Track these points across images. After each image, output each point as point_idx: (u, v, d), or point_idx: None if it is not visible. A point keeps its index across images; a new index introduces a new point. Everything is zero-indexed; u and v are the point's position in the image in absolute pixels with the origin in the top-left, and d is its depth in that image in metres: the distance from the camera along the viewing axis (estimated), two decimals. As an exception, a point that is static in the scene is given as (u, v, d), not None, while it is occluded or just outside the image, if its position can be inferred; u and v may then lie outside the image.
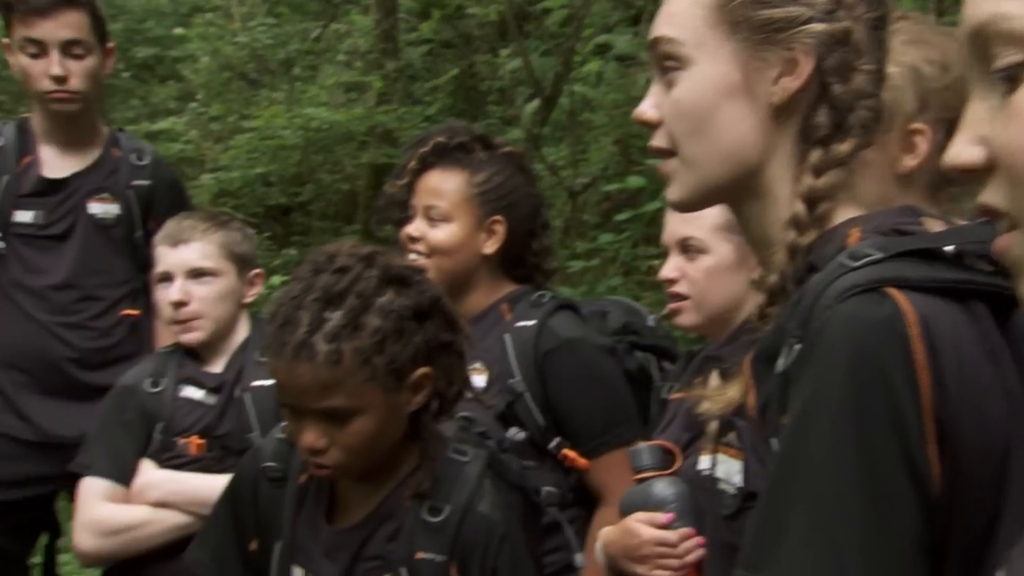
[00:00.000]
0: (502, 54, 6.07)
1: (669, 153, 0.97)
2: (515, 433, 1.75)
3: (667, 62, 0.96)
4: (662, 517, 1.50)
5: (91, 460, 1.95)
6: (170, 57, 7.92)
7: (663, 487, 1.53)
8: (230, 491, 1.56)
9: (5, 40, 2.37)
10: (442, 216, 1.87)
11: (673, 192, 0.98)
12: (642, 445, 1.59)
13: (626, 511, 1.55)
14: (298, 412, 1.38)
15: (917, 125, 1.21)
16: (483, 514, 1.41)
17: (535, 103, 5.47)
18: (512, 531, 1.43)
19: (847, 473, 0.76)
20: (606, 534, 1.60)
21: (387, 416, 1.38)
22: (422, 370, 1.40)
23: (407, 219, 1.92)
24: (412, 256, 1.84)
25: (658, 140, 0.97)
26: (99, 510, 1.91)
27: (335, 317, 1.33)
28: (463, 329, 1.47)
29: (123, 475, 1.92)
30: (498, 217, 1.87)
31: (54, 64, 2.29)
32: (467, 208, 1.86)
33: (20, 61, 2.33)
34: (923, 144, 1.21)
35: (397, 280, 1.40)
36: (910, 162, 1.21)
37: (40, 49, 2.30)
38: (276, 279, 4.39)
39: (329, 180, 6.89)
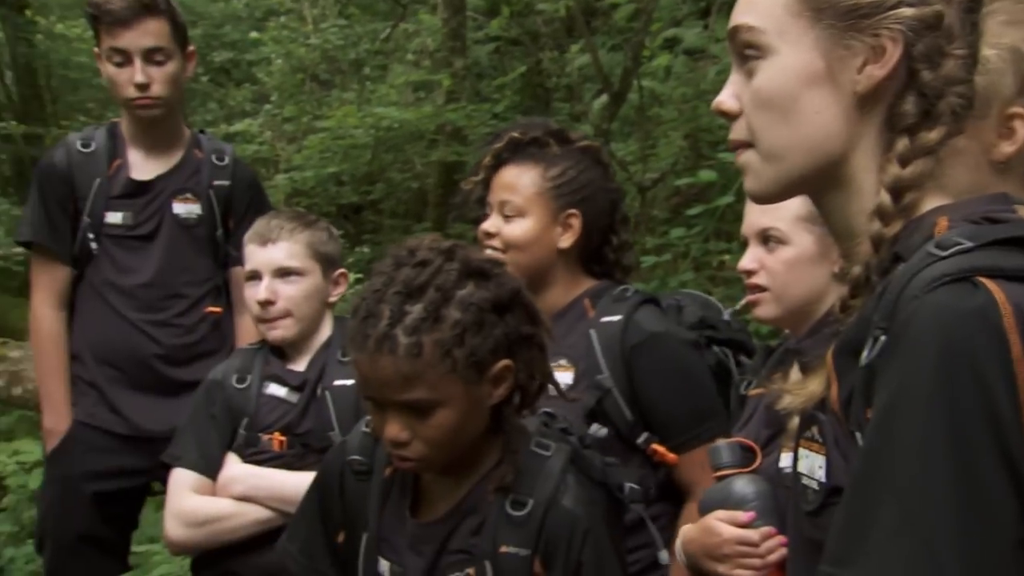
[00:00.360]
0: (572, 49, 6.06)
1: (747, 145, 0.95)
2: (597, 429, 1.75)
3: (747, 51, 0.93)
4: (743, 516, 1.48)
5: (181, 451, 2.01)
6: (245, 60, 8.11)
7: (743, 485, 1.51)
8: (317, 484, 1.59)
9: (96, 50, 2.46)
10: (516, 211, 1.87)
11: (751, 183, 0.96)
12: (721, 442, 1.57)
13: (705, 509, 1.54)
14: (381, 405, 1.40)
15: (1016, 109, 1.16)
16: (567, 508, 1.41)
17: (603, 99, 5.44)
18: (596, 526, 1.43)
19: (940, 468, 0.74)
20: (686, 532, 1.59)
21: (468, 409, 1.39)
22: (503, 363, 1.41)
23: (484, 215, 1.94)
24: (488, 252, 1.85)
25: (737, 132, 0.96)
26: (187, 501, 1.97)
27: (415, 310, 1.35)
28: (544, 322, 1.47)
29: (210, 468, 1.98)
30: (573, 211, 1.87)
31: (137, 72, 2.37)
32: (541, 202, 1.86)
33: (107, 70, 2.42)
34: (1022, 129, 1.16)
35: (477, 273, 1.40)
36: (1007, 148, 1.16)
37: (124, 58, 2.38)
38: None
39: (399, 178, 6.97)
